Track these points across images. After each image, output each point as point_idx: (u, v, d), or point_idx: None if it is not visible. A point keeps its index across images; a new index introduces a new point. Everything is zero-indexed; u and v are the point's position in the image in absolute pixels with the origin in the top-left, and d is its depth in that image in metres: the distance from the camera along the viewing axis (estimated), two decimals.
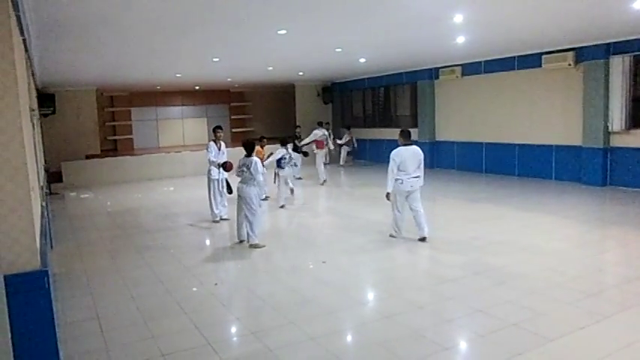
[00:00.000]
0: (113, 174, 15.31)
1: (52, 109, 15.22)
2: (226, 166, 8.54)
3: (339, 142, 16.98)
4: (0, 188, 2.98)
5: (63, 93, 15.84)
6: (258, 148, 8.40)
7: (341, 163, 17.20)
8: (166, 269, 6.27)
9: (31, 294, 3.07)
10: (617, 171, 10.63)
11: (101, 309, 4.98)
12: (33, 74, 9.78)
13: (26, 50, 6.37)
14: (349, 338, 4.29)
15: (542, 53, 11.46)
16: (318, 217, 9.71)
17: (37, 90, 13.56)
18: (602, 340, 3.94)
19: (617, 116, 10.36)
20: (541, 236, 7.13)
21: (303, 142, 14.03)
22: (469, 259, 6.14)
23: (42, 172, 8.67)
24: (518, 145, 12.68)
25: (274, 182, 10.48)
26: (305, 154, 13.26)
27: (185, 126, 20.98)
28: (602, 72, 10.47)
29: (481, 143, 13.77)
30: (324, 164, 17.29)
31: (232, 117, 21.44)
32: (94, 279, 5.99)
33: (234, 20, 6.88)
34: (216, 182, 8.84)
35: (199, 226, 8.83)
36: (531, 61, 11.88)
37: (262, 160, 9.57)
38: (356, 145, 17.44)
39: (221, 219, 8.91)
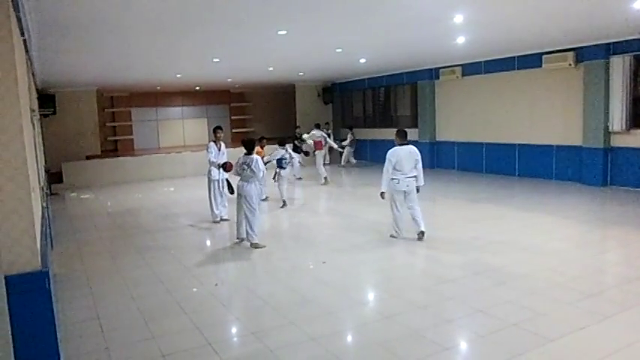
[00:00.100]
0: (113, 174, 15.32)
1: (52, 109, 15.23)
2: (226, 167, 8.54)
3: (344, 143, 16.98)
4: (0, 189, 2.98)
5: (63, 93, 15.85)
6: (258, 148, 8.40)
7: (342, 163, 17.17)
8: (167, 269, 6.28)
9: (32, 294, 3.07)
10: (617, 171, 10.63)
11: (101, 309, 4.98)
12: (33, 75, 9.79)
13: (27, 51, 6.38)
14: (349, 338, 4.29)
15: (542, 53, 11.46)
16: (318, 217, 9.71)
17: (38, 90, 13.56)
18: (603, 340, 3.94)
19: (618, 116, 10.35)
20: (541, 236, 7.12)
21: (307, 144, 14.08)
22: (469, 259, 6.14)
23: (42, 173, 8.67)
24: (519, 145, 12.68)
25: (273, 180, 10.48)
26: (306, 153, 13.30)
27: (185, 126, 20.98)
28: (602, 72, 10.47)
29: (481, 143, 13.77)
30: (324, 164, 17.42)
31: (232, 117, 21.45)
32: (95, 279, 5.99)
33: (234, 20, 6.88)
34: (216, 183, 8.84)
35: (199, 226, 8.83)
36: (531, 61, 11.88)
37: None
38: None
39: (221, 219, 8.92)
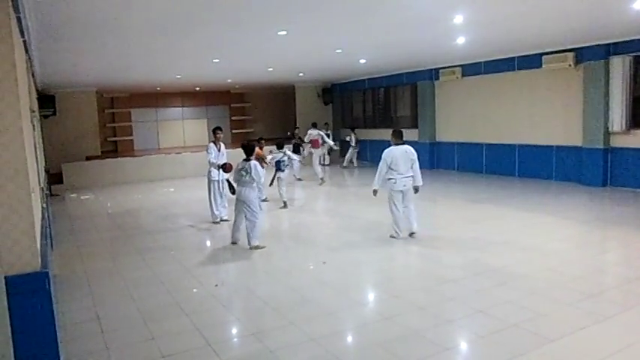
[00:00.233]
0: (113, 175, 15.32)
1: (52, 110, 15.23)
2: (226, 168, 8.55)
3: (352, 144, 16.97)
4: (0, 189, 2.98)
5: (63, 94, 15.85)
6: (257, 149, 8.39)
7: (345, 164, 17.13)
8: (167, 270, 6.27)
9: (32, 295, 3.07)
10: (617, 171, 10.62)
11: (101, 310, 4.98)
12: (33, 76, 9.79)
13: (26, 52, 6.38)
14: (349, 339, 4.29)
15: (542, 54, 11.46)
16: (318, 218, 9.71)
17: (38, 91, 13.57)
18: (603, 340, 3.94)
19: (618, 116, 10.35)
20: (541, 237, 7.12)
21: (305, 142, 14.11)
22: (469, 260, 6.14)
23: (42, 174, 8.67)
24: (519, 145, 12.68)
25: (270, 185, 10.42)
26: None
27: (185, 127, 20.98)
28: (602, 72, 10.47)
29: (481, 144, 13.77)
30: (324, 165, 17.45)
31: (232, 118, 21.45)
32: (95, 280, 5.99)
33: (234, 21, 6.88)
34: (216, 183, 8.84)
35: (199, 227, 8.83)
36: (531, 61, 11.88)
37: (263, 161, 9.60)
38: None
39: (221, 220, 8.92)
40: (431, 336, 4.12)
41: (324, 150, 14.76)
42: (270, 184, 10.36)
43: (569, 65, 10.95)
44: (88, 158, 15.95)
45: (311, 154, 14.21)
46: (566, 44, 10.73)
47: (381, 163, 7.03)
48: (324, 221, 9.33)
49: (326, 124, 18.31)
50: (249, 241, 7.06)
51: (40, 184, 6.20)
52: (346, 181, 14.75)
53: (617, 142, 10.58)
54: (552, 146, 11.86)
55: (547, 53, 11.37)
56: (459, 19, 7.41)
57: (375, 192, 7.16)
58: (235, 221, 7.35)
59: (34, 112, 7.61)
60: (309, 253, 6.86)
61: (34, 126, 7.01)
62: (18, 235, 3.04)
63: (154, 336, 4.32)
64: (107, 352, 4.05)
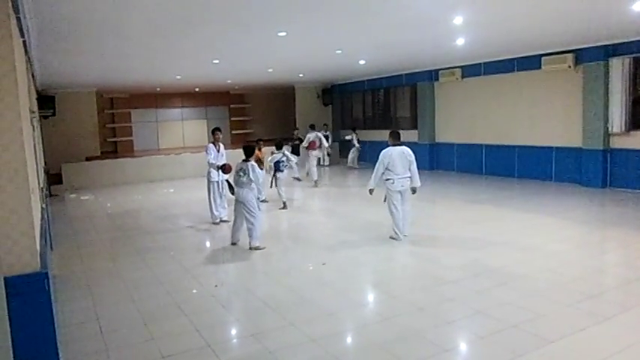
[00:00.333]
0: (113, 176, 15.32)
1: (52, 110, 15.22)
2: (225, 168, 8.55)
3: (356, 145, 16.96)
4: (0, 190, 2.98)
5: (63, 95, 15.85)
6: (256, 151, 8.38)
7: (349, 164, 17.11)
8: (166, 271, 6.27)
9: (31, 296, 3.07)
10: (617, 172, 10.63)
11: (101, 311, 4.98)
12: (33, 76, 9.79)
13: (26, 52, 6.37)
14: (349, 340, 4.28)
15: (541, 55, 11.47)
16: (317, 218, 9.71)
17: (37, 92, 13.56)
18: (603, 341, 3.94)
19: (617, 118, 10.36)
20: (541, 237, 7.12)
21: (302, 145, 14.10)
22: (469, 260, 6.14)
23: (42, 174, 8.67)
24: (518, 146, 12.68)
25: (270, 187, 10.41)
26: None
27: (185, 128, 21.00)
28: (601, 74, 10.48)
29: (481, 145, 13.77)
30: (323, 166, 17.47)
31: (232, 119, 21.46)
32: (94, 281, 5.98)
33: (234, 22, 6.89)
34: (215, 184, 8.84)
35: (199, 227, 8.83)
36: (531, 62, 11.89)
37: (262, 163, 9.61)
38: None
39: (221, 221, 8.91)
40: (431, 337, 4.12)
41: (321, 152, 14.71)
42: (271, 186, 10.35)
43: (569, 66, 10.97)
44: (87, 159, 15.94)
45: (307, 156, 14.20)
46: (565, 45, 10.75)
47: (378, 164, 7.08)
48: (323, 222, 9.33)
49: (325, 124, 18.32)
50: (249, 242, 7.05)
51: (39, 185, 6.20)
52: (345, 181, 14.75)
53: (617, 143, 10.59)
54: (552, 147, 11.86)
55: (546, 54, 11.38)
56: (458, 20, 7.42)
57: (370, 191, 7.21)
58: (235, 222, 7.35)
59: (33, 112, 7.61)
60: (308, 254, 6.86)
61: (33, 126, 7.01)
62: (17, 236, 3.04)
63: (154, 336, 4.32)
64: (106, 353, 4.04)
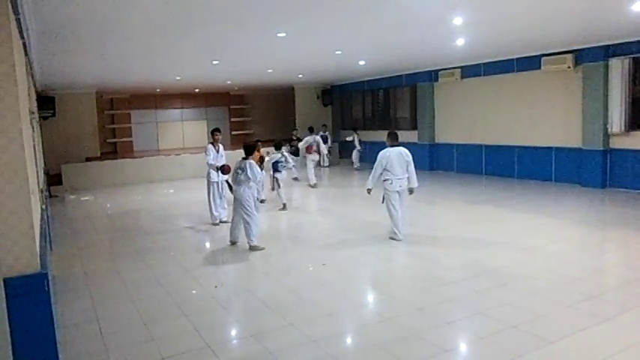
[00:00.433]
0: (113, 176, 15.31)
1: (51, 111, 15.21)
2: (224, 169, 8.55)
3: (357, 147, 16.92)
4: (0, 191, 2.98)
5: (63, 96, 15.83)
6: (256, 152, 8.39)
7: (355, 166, 16.91)
8: (166, 271, 6.27)
9: (31, 296, 3.07)
10: (616, 173, 10.63)
11: (101, 311, 4.97)
12: (33, 77, 9.78)
13: (26, 53, 6.37)
14: (349, 340, 4.28)
15: (541, 55, 11.47)
16: (317, 219, 9.71)
17: (37, 93, 13.56)
18: (603, 341, 3.94)
19: (617, 118, 10.36)
20: (541, 238, 7.12)
21: (300, 149, 14.10)
22: (469, 261, 6.14)
23: (42, 175, 8.67)
24: (518, 147, 12.68)
25: (272, 190, 10.40)
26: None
27: (185, 128, 20.99)
28: (601, 74, 10.48)
29: (481, 145, 13.77)
30: (323, 167, 17.48)
31: (232, 119, 21.45)
32: (94, 281, 5.98)
33: (234, 22, 6.89)
34: (215, 185, 8.84)
35: (199, 228, 8.83)
36: (531, 63, 11.89)
37: (260, 163, 9.60)
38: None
39: (220, 221, 8.91)
40: (431, 337, 4.11)
41: (319, 156, 14.62)
42: (272, 189, 10.33)
43: (569, 67, 10.97)
44: (87, 159, 15.93)
45: (305, 157, 14.18)
46: (565, 46, 10.75)
47: (376, 164, 7.14)
48: (322, 222, 9.33)
49: (324, 125, 18.28)
50: (247, 242, 7.05)
51: (39, 186, 6.20)
52: (345, 182, 14.74)
53: (617, 143, 10.59)
54: (552, 148, 11.86)
55: (546, 55, 11.38)
56: (458, 20, 7.42)
57: (368, 191, 7.25)
58: (233, 221, 7.36)
59: (33, 113, 7.61)
60: (308, 254, 6.86)
61: (33, 127, 7.01)
62: (17, 237, 3.04)
63: (154, 337, 4.32)
64: (106, 354, 4.04)
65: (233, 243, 7.35)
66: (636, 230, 7.32)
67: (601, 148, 10.66)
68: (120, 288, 5.70)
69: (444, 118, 15.06)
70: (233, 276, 6.27)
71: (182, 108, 20.86)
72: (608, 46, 10.35)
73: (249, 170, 6.97)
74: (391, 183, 7.05)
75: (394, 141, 7.24)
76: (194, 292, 5.54)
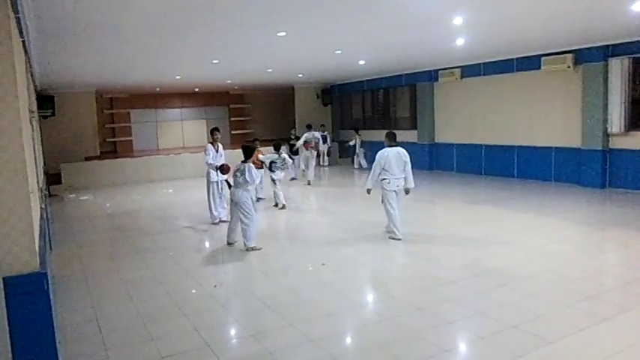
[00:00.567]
0: (112, 176, 15.30)
1: (51, 110, 15.20)
2: (224, 169, 8.55)
3: (357, 149, 16.88)
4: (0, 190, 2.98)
5: (62, 95, 15.83)
6: (255, 153, 8.37)
7: (363, 165, 16.79)
8: (165, 271, 6.26)
9: (30, 296, 3.06)
10: (616, 173, 10.63)
11: (100, 311, 4.97)
12: (32, 76, 9.78)
13: (26, 52, 6.36)
14: (349, 340, 4.28)
15: (541, 55, 11.47)
16: (316, 219, 9.71)
17: (37, 92, 13.55)
18: (603, 341, 3.94)
19: (617, 118, 10.36)
20: (541, 238, 7.12)
21: (296, 146, 14.10)
22: (469, 261, 6.14)
23: (41, 174, 8.66)
24: (518, 147, 12.68)
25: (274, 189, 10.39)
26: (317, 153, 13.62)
27: (184, 128, 20.98)
28: (601, 74, 10.48)
29: (480, 145, 13.77)
30: (323, 166, 17.48)
31: (232, 119, 21.45)
32: (93, 281, 5.98)
33: (233, 22, 6.88)
34: (215, 184, 8.84)
35: (198, 228, 8.82)
36: (530, 63, 11.89)
37: (260, 165, 9.58)
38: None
39: (220, 221, 8.90)
40: (430, 337, 4.11)
41: (314, 152, 14.59)
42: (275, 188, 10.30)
43: (568, 67, 10.97)
44: (87, 159, 15.93)
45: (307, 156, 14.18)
46: (565, 46, 10.75)
47: (374, 164, 7.20)
48: (321, 222, 9.32)
49: (322, 125, 18.27)
50: (244, 243, 7.04)
51: (39, 185, 6.19)
52: (344, 181, 14.74)
53: (616, 143, 10.59)
54: (551, 147, 11.86)
55: (546, 55, 11.38)
56: (458, 20, 7.42)
57: (368, 191, 7.31)
58: (230, 222, 7.36)
59: (33, 112, 7.60)
60: (307, 254, 6.86)
61: (33, 126, 7.00)
62: (17, 236, 3.03)
63: (153, 337, 4.31)
64: (106, 353, 4.04)
65: (230, 244, 7.35)
66: (636, 230, 7.32)
67: (601, 148, 10.66)
68: (119, 287, 5.69)
69: (444, 118, 15.06)
70: (233, 276, 6.27)
71: (182, 107, 20.86)
72: (608, 46, 10.35)
73: (247, 173, 7.00)
74: (389, 182, 7.10)
75: (392, 141, 7.32)
76: (194, 291, 5.54)
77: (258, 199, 10.65)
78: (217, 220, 8.89)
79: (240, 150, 7.46)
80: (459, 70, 13.99)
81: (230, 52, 9.69)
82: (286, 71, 14.46)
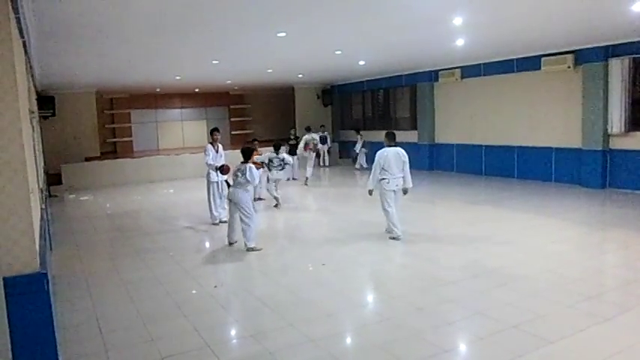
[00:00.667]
0: (112, 176, 15.30)
1: (51, 111, 15.21)
2: (224, 169, 8.55)
3: (357, 150, 16.88)
4: (0, 190, 2.98)
5: (63, 95, 15.83)
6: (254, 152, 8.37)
7: (364, 166, 16.75)
8: (166, 271, 6.26)
9: (31, 296, 3.06)
10: (616, 173, 10.63)
11: (100, 311, 4.97)
12: (33, 76, 9.78)
13: (26, 53, 6.37)
14: (349, 340, 4.28)
15: (541, 56, 11.47)
16: (316, 219, 9.71)
17: (37, 92, 13.56)
18: (603, 342, 3.94)
19: (617, 118, 10.36)
20: (541, 238, 7.12)
21: (299, 148, 14.11)
22: (469, 261, 6.14)
23: (41, 175, 8.66)
24: (518, 147, 12.68)
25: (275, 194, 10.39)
26: (317, 154, 13.58)
27: (185, 128, 20.98)
28: (601, 74, 10.48)
29: (481, 145, 13.77)
30: (324, 167, 17.48)
31: (232, 119, 21.45)
32: (94, 281, 5.98)
33: (234, 22, 6.88)
34: (215, 185, 8.84)
35: (198, 228, 8.82)
36: (531, 63, 11.89)
37: (259, 163, 9.60)
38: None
39: (220, 221, 8.89)
40: (430, 337, 4.11)
41: (313, 153, 14.59)
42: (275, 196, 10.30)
43: (569, 67, 10.97)
44: (87, 159, 15.93)
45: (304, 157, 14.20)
46: (565, 46, 10.74)
47: (374, 164, 7.24)
48: (321, 222, 9.32)
49: (322, 126, 18.28)
50: (245, 243, 7.05)
51: (39, 185, 6.19)
52: (344, 181, 14.74)
53: (616, 144, 10.59)
54: (551, 148, 11.86)
55: (546, 55, 11.38)
56: (458, 20, 7.42)
57: (370, 192, 7.32)
58: (230, 222, 7.37)
59: (33, 113, 7.61)
60: (307, 254, 6.86)
61: (33, 127, 7.00)
62: (17, 236, 3.03)
63: (153, 337, 4.31)
64: (106, 354, 4.04)
65: (231, 244, 7.36)
66: (636, 231, 7.32)
67: (601, 149, 10.66)
68: (119, 288, 5.69)
69: (444, 119, 15.05)
70: (233, 276, 6.27)
71: (182, 108, 20.86)
72: (608, 46, 10.35)
73: (248, 173, 7.02)
74: (388, 182, 7.13)
75: (391, 141, 7.36)
76: (194, 292, 5.54)
77: (259, 199, 10.66)
78: (217, 221, 8.88)
79: (240, 153, 7.46)
80: (459, 70, 13.99)
81: (230, 52, 9.70)
82: (286, 72, 14.46)
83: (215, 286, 5.62)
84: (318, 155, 15.88)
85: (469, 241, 7.10)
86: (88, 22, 6.36)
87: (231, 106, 21.51)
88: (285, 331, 4.35)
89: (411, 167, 7.36)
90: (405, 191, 7.33)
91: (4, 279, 2.98)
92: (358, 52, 10.89)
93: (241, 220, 7.03)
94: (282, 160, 10.25)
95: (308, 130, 15.08)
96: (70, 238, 8.38)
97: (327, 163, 17.79)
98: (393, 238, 7.20)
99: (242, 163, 7.23)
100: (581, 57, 10.83)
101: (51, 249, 6.81)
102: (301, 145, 14.01)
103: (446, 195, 11.39)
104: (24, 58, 5.92)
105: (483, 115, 13.64)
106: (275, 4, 5.91)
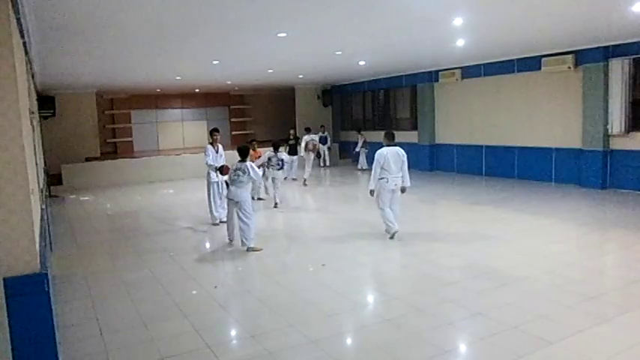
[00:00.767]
0: (113, 176, 15.31)
1: (52, 111, 15.23)
2: (224, 170, 8.54)
3: (358, 149, 16.87)
4: (0, 190, 2.98)
5: (63, 95, 15.85)
6: (251, 151, 8.40)
7: (364, 166, 16.61)
8: (166, 272, 6.27)
9: (31, 297, 3.06)
10: (616, 174, 10.63)
11: (100, 312, 4.97)
12: (33, 77, 9.78)
13: (26, 53, 6.37)
14: (349, 341, 4.28)
15: (541, 56, 11.47)
16: (316, 219, 9.70)
17: (37, 92, 13.56)
18: (603, 342, 3.94)
19: (617, 119, 10.36)
20: (541, 239, 7.12)
21: (301, 149, 14.13)
22: (469, 262, 6.14)
23: (42, 175, 8.66)
24: (518, 147, 12.68)
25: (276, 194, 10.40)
26: (318, 154, 13.50)
27: (185, 128, 21.00)
28: (601, 75, 10.48)
29: (481, 146, 13.77)
30: (325, 167, 17.49)
31: (232, 120, 21.47)
32: (94, 282, 5.98)
33: (234, 22, 6.89)
34: (215, 185, 8.84)
35: (198, 228, 8.82)
36: (531, 63, 11.89)
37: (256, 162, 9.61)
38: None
39: (220, 222, 8.89)
40: (431, 338, 4.11)
41: (313, 154, 14.60)
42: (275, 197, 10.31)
43: (569, 67, 10.97)
44: (87, 159, 15.94)
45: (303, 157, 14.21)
46: (565, 47, 10.75)
47: (374, 164, 7.26)
48: (321, 222, 9.32)
49: (322, 126, 18.28)
50: (243, 242, 7.04)
51: (39, 185, 6.19)
52: (344, 182, 14.74)
53: (617, 144, 10.59)
54: (552, 148, 11.86)
55: (546, 55, 11.38)
56: (458, 21, 7.42)
57: (371, 192, 7.32)
58: (229, 220, 7.38)
59: (33, 113, 7.60)
60: (307, 255, 6.86)
61: (33, 127, 7.00)
62: (17, 237, 3.03)
63: (153, 338, 4.31)
64: (106, 354, 4.04)
65: (231, 241, 7.38)
66: (636, 231, 7.31)
67: (601, 149, 10.66)
68: (120, 288, 5.70)
69: (444, 119, 15.06)
70: (233, 276, 6.27)
71: (182, 108, 20.88)
72: (609, 46, 10.35)
73: (251, 171, 7.03)
74: (387, 181, 7.16)
75: (390, 141, 7.40)
76: (194, 292, 5.54)
77: (259, 199, 10.66)
78: (217, 221, 8.88)
79: (237, 152, 7.44)
80: (459, 70, 14.00)
81: (230, 52, 9.70)
82: (287, 72, 14.47)
83: (215, 287, 5.62)
84: (319, 156, 15.88)
85: (469, 241, 7.10)
86: (89, 23, 6.36)
87: (232, 107, 21.53)
88: (285, 331, 4.35)
89: (411, 168, 7.40)
90: (403, 190, 7.36)
91: (5, 279, 2.98)
92: (358, 52, 10.89)
93: (240, 219, 7.02)
94: (281, 160, 10.28)
95: (307, 131, 15.10)
96: (70, 239, 8.38)
97: (327, 164, 17.80)
98: (393, 237, 7.20)
99: (240, 161, 7.22)
100: (581, 57, 10.84)
101: (51, 249, 6.81)
102: (303, 145, 14.04)
103: (446, 195, 11.39)
104: (24, 59, 5.92)
105: (484, 116, 13.64)
106: (275, 5, 5.91)
